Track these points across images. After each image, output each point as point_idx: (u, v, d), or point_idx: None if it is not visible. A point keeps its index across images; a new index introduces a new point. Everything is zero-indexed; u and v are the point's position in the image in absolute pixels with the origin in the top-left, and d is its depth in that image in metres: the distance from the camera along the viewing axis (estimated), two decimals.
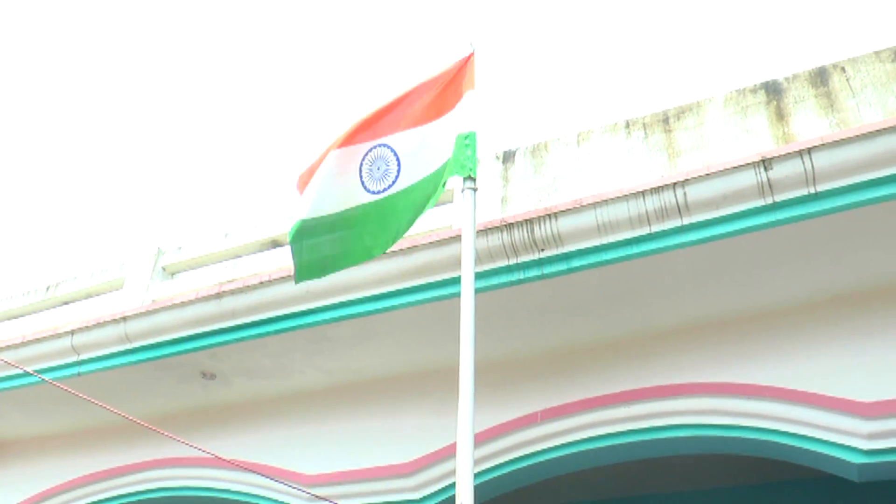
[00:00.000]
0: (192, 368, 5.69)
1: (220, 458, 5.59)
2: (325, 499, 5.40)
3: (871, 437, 4.28)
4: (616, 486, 7.05)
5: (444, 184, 4.37)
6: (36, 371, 5.58)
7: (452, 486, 3.83)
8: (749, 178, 4.19)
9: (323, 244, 4.43)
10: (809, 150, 4.11)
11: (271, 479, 5.50)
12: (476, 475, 4.64)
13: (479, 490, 4.31)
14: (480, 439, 4.93)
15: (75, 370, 5.82)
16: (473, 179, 4.57)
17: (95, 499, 6.34)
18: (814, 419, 4.41)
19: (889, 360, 4.34)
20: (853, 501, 6.41)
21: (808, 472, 6.26)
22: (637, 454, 5.02)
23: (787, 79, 5.63)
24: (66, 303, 7.64)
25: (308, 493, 5.40)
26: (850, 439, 4.33)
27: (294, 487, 5.46)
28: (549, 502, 7.31)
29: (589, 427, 4.89)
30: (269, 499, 5.72)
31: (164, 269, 7.20)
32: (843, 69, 5.46)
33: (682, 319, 4.82)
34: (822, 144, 4.09)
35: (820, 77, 5.54)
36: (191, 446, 5.32)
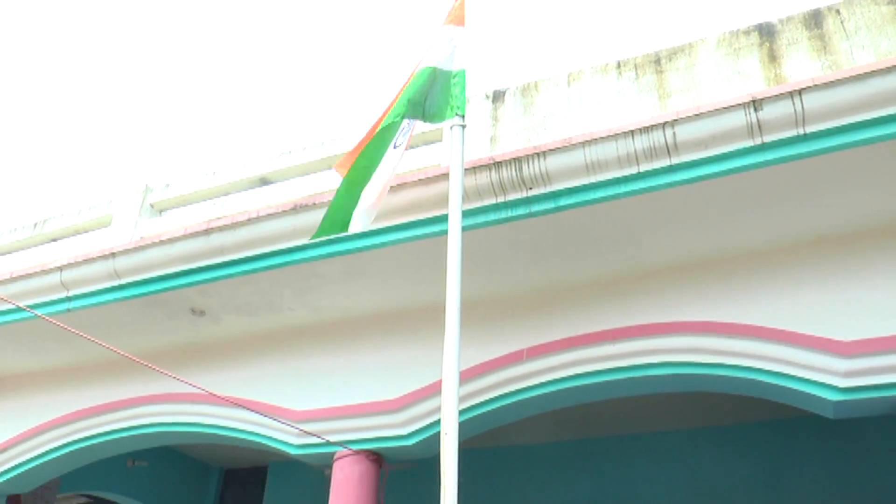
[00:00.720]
0: (182, 305, 5.71)
1: (210, 394, 5.67)
2: (313, 434, 5.49)
3: (848, 375, 4.37)
4: (599, 426, 7.21)
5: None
6: (27, 306, 5.59)
7: (439, 422, 3.89)
8: (738, 119, 4.18)
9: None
10: (800, 92, 4.10)
11: (261, 414, 5.59)
12: (462, 412, 4.73)
13: (464, 426, 4.40)
14: (466, 376, 5.00)
15: (65, 306, 5.84)
16: (462, 117, 4.57)
17: (87, 434, 6.42)
18: (793, 357, 4.49)
19: (868, 299, 4.41)
20: (827, 440, 6.60)
21: (786, 412, 6.44)
22: (621, 392, 5.11)
23: (780, 21, 5.57)
24: (55, 239, 7.61)
25: (297, 428, 5.48)
26: (828, 377, 4.42)
27: (284, 423, 5.55)
28: (532, 440, 7.48)
29: (574, 365, 4.97)
30: (258, 434, 5.82)
31: (152, 206, 7.17)
32: (837, 11, 5.40)
33: (668, 259, 4.86)
34: (814, 86, 4.08)
35: (814, 19, 5.48)
36: (182, 381, 5.38)
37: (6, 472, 6.61)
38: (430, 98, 4.59)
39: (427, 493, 2.77)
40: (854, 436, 6.38)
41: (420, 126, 5.14)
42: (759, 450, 6.78)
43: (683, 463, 6.97)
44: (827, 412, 4.66)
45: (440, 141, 6.01)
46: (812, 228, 4.60)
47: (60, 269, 5.81)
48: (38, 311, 5.59)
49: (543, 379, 5.04)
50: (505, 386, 5.13)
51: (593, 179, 4.42)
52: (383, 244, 4.90)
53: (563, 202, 4.51)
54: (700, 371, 4.74)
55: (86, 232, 7.51)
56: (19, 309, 5.67)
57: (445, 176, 4.58)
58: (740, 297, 4.71)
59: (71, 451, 6.48)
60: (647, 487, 6.98)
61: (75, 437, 6.47)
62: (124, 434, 6.36)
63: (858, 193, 4.36)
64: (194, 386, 5.50)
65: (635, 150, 4.34)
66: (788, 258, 4.68)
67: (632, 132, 4.36)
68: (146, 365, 5.20)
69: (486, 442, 7.16)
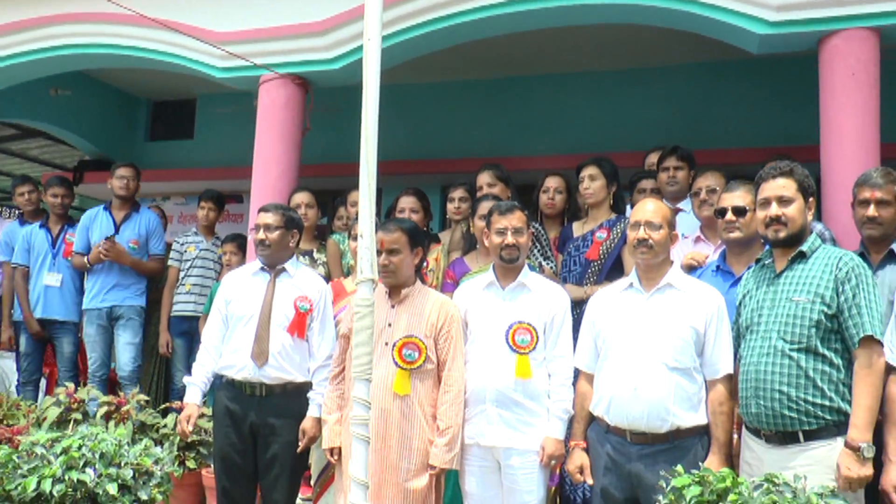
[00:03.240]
0: None
1: (128, 14, 5.38)
2: (238, 56, 5.36)
3: (781, 9, 4.34)
4: (532, 64, 7.20)
5: None
6: None
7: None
8: None
9: None
10: None
11: (182, 34, 5.38)
12: (386, 38, 4.59)
13: (388, 53, 4.29)
14: (391, 1, 4.82)
15: None
16: None
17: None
18: None
19: None
20: (746, 82, 6.77)
21: (711, 55, 6.50)
22: (553, 21, 4.98)
23: None
24: None
25: (221, 49, 5.32)
26: (759, 10, 4.38)
27: (207, 44, 5.37)
28: (460, 76, 7.48)
29: None
30: (181, 56, 5.65)
31: None
32: None
33: None
34: None
35: None
36: None
37: None
38: None
39: (349, 127, 2.77)
40: (771, 78, 6.55)
41: None
42: (685, 90, 6.94)
43: (613, 101, 7.13)
44: (752, 47, 4.69)
45: None
46: None
47: None
48: None
49: (475, 4, 4.87)
50: (430, 12, 4.96)
51: None
52: None
53: None
54: (623, 0, 4.63)
55: None
56: None
57: None
58: None
59: None
60: (576, 124, 7.19)
61: None
62: (39, 56, 6.10)
63: None
64: (112, 1, 5.18)
65: None
66: None
67: None
68: None
69: (411, 77, 7.17)
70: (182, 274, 5.91)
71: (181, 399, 5.23)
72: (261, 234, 3.92)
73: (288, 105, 5.36)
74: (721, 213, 3.55)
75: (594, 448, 3.27)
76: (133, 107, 8.72)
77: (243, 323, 3.87)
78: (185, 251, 5.96)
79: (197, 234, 6.04)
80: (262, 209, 4.02)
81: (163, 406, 5.19)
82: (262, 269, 3.99)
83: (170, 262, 5.97)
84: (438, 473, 3.41)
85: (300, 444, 3.78)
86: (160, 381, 6.28)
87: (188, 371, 5.65)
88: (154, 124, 8.81)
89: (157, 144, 8.70)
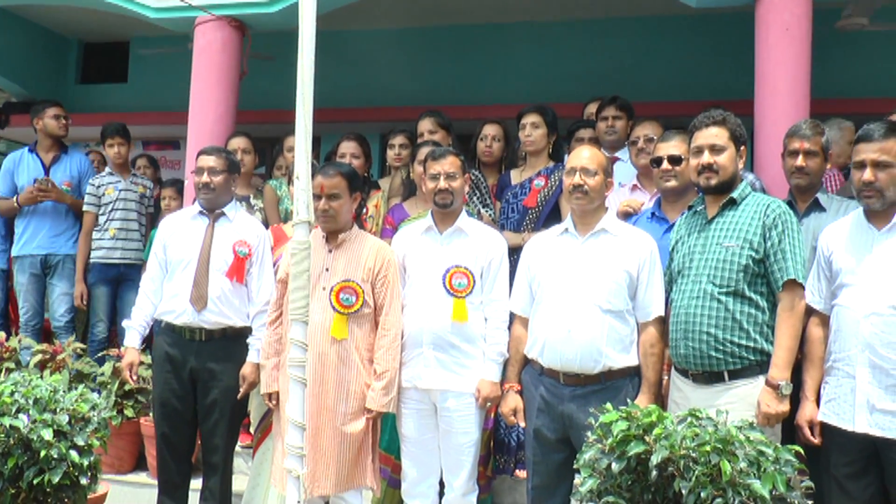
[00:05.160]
0: None
1: None
2: None
3: None
4: (473, 13, 7.13)
5: None
6: None
7: None
8: None
9: None
10: None
11: None
12: None
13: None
14: None
15: None
16: None
17: None
18: None
19: None
20: (684, 36, 6.84)
21: (651, 10, 6.55)
22: None
23: None
24: None
25: None
26: None
27: None
28: (396, 24, 7.37)
29: None
30: None
31: None
32: None
33: None
34: None
35: None
36: None
37: None
38: None
39: (289, 74, 2.73)
40: (709, 33, 6.62)
41: None
42: (625, 43, 6.97)
43: (555, 52, 7.12)
44: (691, 1, 4.74)
45: None
46: None
47: None
48: None
49: None
50: None
51: None
52: None
53: None
54: None
55: None
56: None
57: None
58: None
59: None
60: (517, 74, 7.17)
61: None
62: None
63: None
64: None
65: None
66: None
67: None
68: None
69: (353, 24, 7.05)
70: (103, 219, 5.46)
71: (103, 350, 5.16)
72: (205, 178, 3.85)
73: (224, 48, 5.24)
74: (657, 162, 3.61)
75: (528, 390, 3.34)
76: (63, 48, 8.37)
77: (182, 268, 3.83)
78: (104, 194, 5.49)
79: (113, 175, 5.55)
80: (204, 152, 3.94)
81: (100, 353, 5.10)
82: (200, 212, 3.93)
83: (85, 207, 5.50)
84: (375, 417, 3.45)
85: (241, 389, 3.79)
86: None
87: (111, 322, 5.56)
88: (85, 66, 8.48)
89: (88, 87, 8.40)
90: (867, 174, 2.90)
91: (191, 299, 3.77)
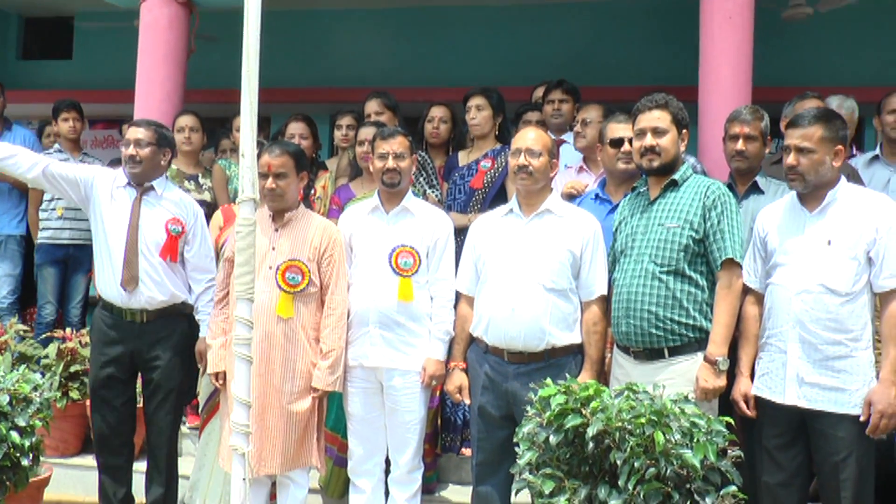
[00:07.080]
0: None
1: None
2: None
3: None
4: None
5: None
6: None
7: None
8: None
9: None
10: None
11: None
12: None
13: None
14: None
15: None
16: None
17: None
18: None
19: None
20: (633, 25, 6.91)
21: None
22: None
23: None
24: None
25: None
26: None
27: None
28: (342, 4, 7.32)
29: None
30: None
31: None
32: None
33: None
34: None
35: None
36: None
37: None
38: None
39: (237, 53, 2.69)
40: (655, 19, 6.71)
41: None
42: (574, 28, 7.02)
43: (503, 36, 7.15)
44: None
45: None
46: None
47: None
48: None
49: None
50: None
51: None
52: None
53: None
54: None
55: None
56: None
57: None
58: None
59: None
60: (465, 57, 7.17)
61: None
62: None
63: None
64: None
65: None
66: None
67: None
68: None
69: (301, 4, 7.00)
70: (49, 196, 5.30)
71: (49, 331, 5.04)
72: (131, 150, 3.66)
73: (171, 25, 5.16)
74: (617, 143, 3.65)
75: (473, 368, 3.39)
76: (1, 22, 8.15)
77: (110, 245, 3.67)
78: None
79: (62, 152, 5.39)
80: (133, 124, 3.79)
81: (44, 335, 5.00)
82: (128, 184, 3.73)
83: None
84: (321, 396, 3.46)
85: (199, 366, 3.75)
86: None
87: (59, 304, 5.42)
88: (27, 42, 8.26)
89: (30, 63, 8.19)
90: (791, 158, 3.01)
91: (121, 282, 3.63)
